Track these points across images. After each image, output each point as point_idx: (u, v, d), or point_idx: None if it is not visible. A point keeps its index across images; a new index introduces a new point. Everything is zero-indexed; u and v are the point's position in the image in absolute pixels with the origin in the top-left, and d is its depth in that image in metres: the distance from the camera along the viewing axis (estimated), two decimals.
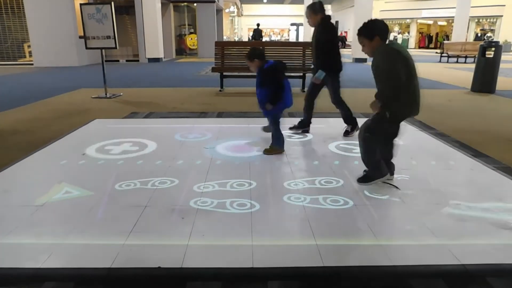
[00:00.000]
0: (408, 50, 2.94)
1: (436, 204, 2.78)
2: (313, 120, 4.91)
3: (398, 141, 3.26)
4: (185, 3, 21.80)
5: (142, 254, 2.13)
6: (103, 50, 7.65)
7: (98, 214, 2.59)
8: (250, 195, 2.90)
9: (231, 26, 41.43)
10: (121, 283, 1.90)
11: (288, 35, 52.21)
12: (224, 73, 8.11)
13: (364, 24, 2.90)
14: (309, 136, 4.62)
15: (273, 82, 3.77)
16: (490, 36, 28.77)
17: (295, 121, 4.98)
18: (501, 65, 8.32)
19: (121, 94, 7.69)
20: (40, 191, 2.94)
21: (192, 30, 22.72)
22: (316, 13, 4.39)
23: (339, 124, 4.81)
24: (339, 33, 37.95)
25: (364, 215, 2.59)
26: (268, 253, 2.15)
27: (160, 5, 16.56)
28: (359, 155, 3.16)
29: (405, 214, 2.63)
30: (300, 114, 5.81)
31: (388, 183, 3.08)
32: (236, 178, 3.22)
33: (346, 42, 32.32)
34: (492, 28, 31.29)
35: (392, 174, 3.18)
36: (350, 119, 4.64)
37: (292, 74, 8.32)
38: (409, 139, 4.64)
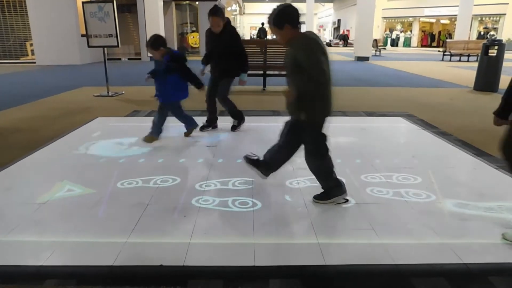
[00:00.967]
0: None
1: (438, 203, 2.77)
2: None
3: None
4: (187, 2, 21.77)
5: (144, 252, 2.14)
6: (105, 49, 7.65)
7: (100, 212, 2.60)
8: (252, 193, 2.89)
9: (233, 25, 41.37)
10: (123, 281, 1.90)
11: None
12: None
13: (273, 11, 2.56)
14: None
15: (185, 67, 3.95)
16: (493, 35, 28.65)
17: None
18: (504, 64, 8.28)
19: (123, 92, 7.70)
20: (42, 189, 2.94)
21: (194, 29, 22.70)
22: (224, 18, 4.28)
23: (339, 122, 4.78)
24: (341, 32, 37.92)
25: (366, 214, 2.58)
26: (270, 251, 2.15)
27: (162, 3, 16.54)
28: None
29: (407, 212, 2.63)
30: None
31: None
32: (238, 177, 3.22)
33: (348, 41, 32.26)
34: (495, 26, 31.16)
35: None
36: (236, 115, 4.67)
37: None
38: (411, 137, 4.63)
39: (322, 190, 2.77)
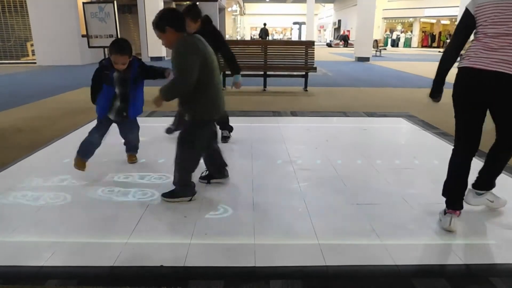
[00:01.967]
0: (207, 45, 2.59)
1: (438, 203, 2.77)
2: (315, 119, 4.90)
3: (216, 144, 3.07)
4: (187, 2, 21.81)
5: (144, 253, 2.14)
6: (106, 49, 7.66)
7: (101, 213, 2.60)
8: (252, 193, 2.90)
9: (234, 25, 41.41)
10: (124, 282, 1.90)
11: (291, 34, 52.22)
12: (226, 72, 8.09)
13: (155, 15, 2.59)
14: (311, 134, 4.61)
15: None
16: None
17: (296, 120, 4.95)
18: None
19: None
20: (43, 189, 2.95)
21: None
22: (195, 19, 3.81)
23: (340, 122, 4.79)
24: (341, 32, 37.93)
25: (367, 214, 2.58)
26: (271, 252, 2.15)
27: (162, 3, 16.55)
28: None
29: (408, 213, 2.63)
30: (301, 113, 5.81)
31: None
32: (238, 177, 3.22)
33: (349, 41, 32.26)
34: None
35: (226, 176, 3.09)
36: (227, 124, 4.31)
37: (295, 72, 8.33)
38: (412, 138, 4.63)
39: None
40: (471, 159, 2.43)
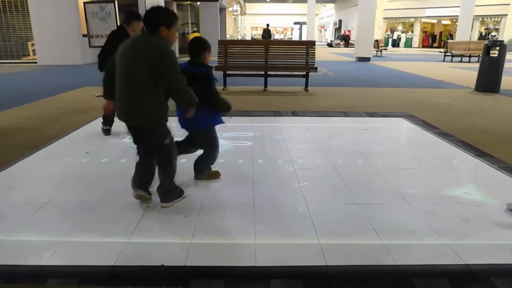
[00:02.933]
0: (136, 42, 2.41)
1: (439, 203, 2.77)
2: (315, 119, 4.89)
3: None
4: (188, 2, 21.79)
5: (145, 252, 2.14)
6: None
7: (102, 212, 2.60)
8: (253, 193, 2.90)
9: (234, 25, 41.41)
10: (125, 281, 1.90)
11: (291, 34, 52.20)
12: (227, 72, 8.11)
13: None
14: (312, 134, 4.60)
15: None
16: (495, 35, 28.62)
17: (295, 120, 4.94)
18: (506, 65, 8.27)
19: None
20: (44, 188, 2.95)
21: (195, 29, 22.71)
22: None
23: (341, 122, 4.79)
24: (342, 32, 37.93)
25: (368, 214, 2.58)
26: (271, 252, 2.15)
27: (163, 3, 16.56)
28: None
29: (409, 213, 2.63)
30: (302, 113, 5.81)
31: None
32: (238, 177, 3.22)
33: (350, 41, 32.25)
34: (496, 27, 31.12)
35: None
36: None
37: (295, 72, 8.32)
38: (412, 138, 4.63)
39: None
40: None
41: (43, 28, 13.86)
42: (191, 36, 22.53)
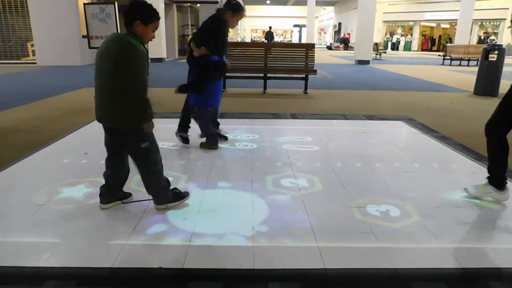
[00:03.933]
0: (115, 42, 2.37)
1: (437, 207, 2.77)
2: (315, 122, 4.89)
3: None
4: (188, 4, 21.83)
5: (143, 254, 2.14)
6: None
7: (100, 213, 2.59)
8: (252, 196, 2.89)
9: (234, 27, 41.44)
10: (122, 283, 1.90)
11: (291, 36, 52.28)
12: (227, 74, 8.10)
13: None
14: (311, 137, 4.61)
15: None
16: (494, 39, 28.72)
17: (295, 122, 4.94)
18: (504, 68, 8.30)
19: None
20: (42, 190, 2.94)
21: (195, 31, 22.76)
22: None
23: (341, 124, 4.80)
24: (341, 35, 37.99)
25: (366, 217, 2.58)
26: (270, 255, 2.14)
27: (163, 5, 16.58)
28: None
29: (407, 216, 2.63)
30: (301, 115, 5.82)
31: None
32: (238, 178, 3.22)
33: (349, 44, 32.31)
34: (495, 31, 31.22)
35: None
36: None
37: (295, 75, 8.33)
38: (411, 141, 4.64)
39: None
40: None
41: (42, 29, 13.86)
42: (191, 37, 22.61)
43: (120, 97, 2.33)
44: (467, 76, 11.87)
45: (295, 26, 48.49)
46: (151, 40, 2.46)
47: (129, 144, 2.48)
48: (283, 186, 3.11)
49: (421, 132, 4.90)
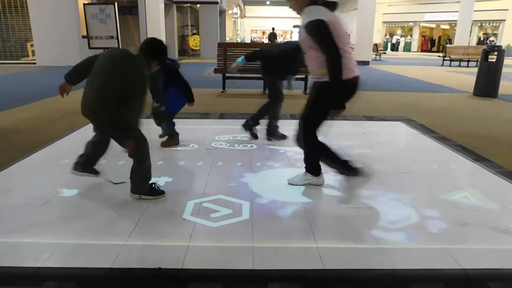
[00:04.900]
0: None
1: (436, 207, 2.77)
2: None
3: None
4: (188, 4, 21.85)
5: (143, 255, 2.14)
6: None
7: (99, 214, 2.60)
8: (251, 196, 2.90)
9: (234, 28, 41.47)
10: (122, 283, 1.90)
11: (291, 37, 52.28)
12: (227, 75, 8.12)
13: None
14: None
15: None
16: (493, 40, 28.73)
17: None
18: (504, 70, 8.30)
19: None
20: (42, 190, 2.94)
21: (195, 31, 22.77)
22: None
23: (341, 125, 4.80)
24: None
25: (365, 218, 2.58)
26: (269, 255, 2.15)
27: (163, 5, 16.59)
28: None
29: (406, 217, 2.63)
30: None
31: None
32: (237, 178, 3.22)
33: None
34: (495, 32, 31.25)
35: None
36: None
37: (295, 76, 8.31)
38: (411, 142, 4.64)
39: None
40: None
41: (42, 29, 13.87)
42: (191, 38, 22.61)
43: (108, 96, 2.53)
44: (467, 77, 11.88)
45: (295, 26, 48.48)
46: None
47: (117, 140, 2.68)
48: (282, 187, 3.11)
49: (420, 133, 4.90)
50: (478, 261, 2.13)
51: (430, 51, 35.01)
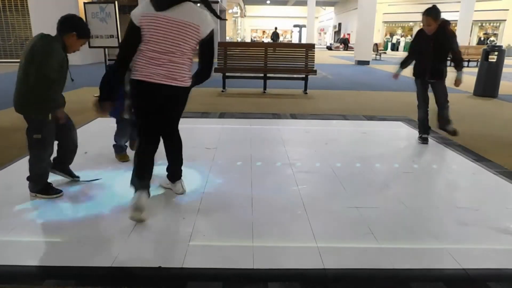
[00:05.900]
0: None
1: (437, 208, 2.78)
2: (314, 122, 4.88)
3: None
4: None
5: (143, 254, 2.14)
6: (106, 49, 7.66)
7: (100, 213, 2.60)
8: (251, 196, 2.90)
9: (234, 27, 41.48)
10: (122, 282, 1.90)
11: (291, 37, 52.30)
12: (227, 74, 8.12)
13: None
14: (311, 137, 4.61)
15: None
16: (493, 40, 28.74)
17: (298, 122, 4.95)
18: (504, 70, 8.31)
19: None
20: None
21: None
22: (437, 20, 4.33)
23: (340, 125, 4.80)
24: (341, 35, 38.02)
25: (366, 218, 2.58)
26: (269, 254, 2.15)
27: None
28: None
29: (406, 217, 2.63)
30: (301, 115, 5.82)
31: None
32: (237, 179, 3.22)
33: (349, 45, 32.34)
34: (495, 32, 31.25)
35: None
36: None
37: (295, 75, 8.34)
38: (411, 142, 4.64)
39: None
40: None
41: (43, 28, 13.64)
42: None
43: (23, 88, 2.77)
44: (467, 77, 11.83)
45: (295, 26, 48.51)
46: (74, 52, 2.82)
47: (27, 132, 2.81)
48: (283, 186, 3.11)
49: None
50: (478, 261, 2.13)
51: None
